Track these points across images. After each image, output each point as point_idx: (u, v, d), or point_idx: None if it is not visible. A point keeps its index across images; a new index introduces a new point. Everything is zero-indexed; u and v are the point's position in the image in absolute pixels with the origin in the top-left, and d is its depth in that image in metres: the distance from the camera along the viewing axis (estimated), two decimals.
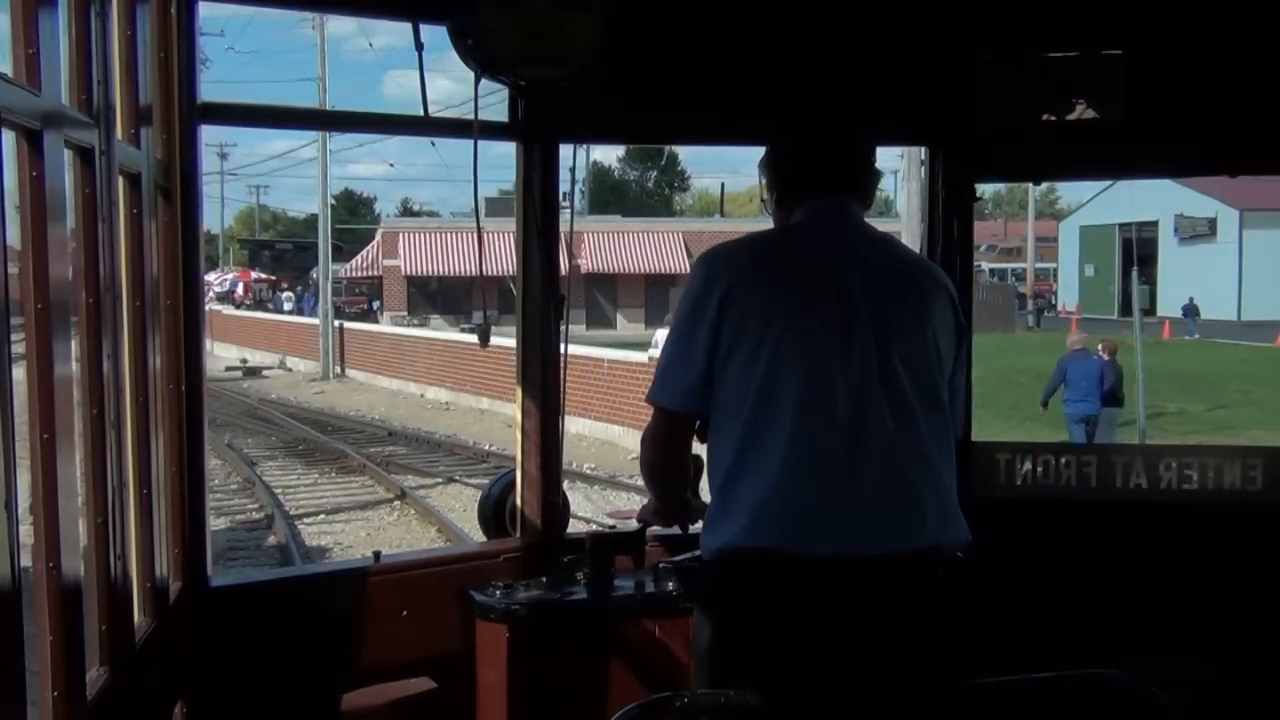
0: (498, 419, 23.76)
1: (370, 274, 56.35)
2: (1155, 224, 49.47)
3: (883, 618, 2.63)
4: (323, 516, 15.25)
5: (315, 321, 37.93)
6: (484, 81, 3.52)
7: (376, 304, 55.29)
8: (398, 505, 15.80)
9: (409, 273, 53.42)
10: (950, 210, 3.83)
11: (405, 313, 52.38)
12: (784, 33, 3.76)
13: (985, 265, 63.45)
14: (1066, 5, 3.82)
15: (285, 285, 61.85)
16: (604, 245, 52.88)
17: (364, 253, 58.11)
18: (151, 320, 2.74)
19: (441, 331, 38.62)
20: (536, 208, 3.68)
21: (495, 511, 3.84)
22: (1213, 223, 48.90)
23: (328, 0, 3.72)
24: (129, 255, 2.59)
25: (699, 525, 2.90)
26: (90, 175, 2.30)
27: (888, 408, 2.69)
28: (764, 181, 3.06)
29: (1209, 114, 3.70)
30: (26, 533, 1.87)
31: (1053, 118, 3.82)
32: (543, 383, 3.74)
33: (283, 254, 68.66)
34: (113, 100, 2.47)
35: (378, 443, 21.86)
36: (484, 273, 3.97)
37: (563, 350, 3.76)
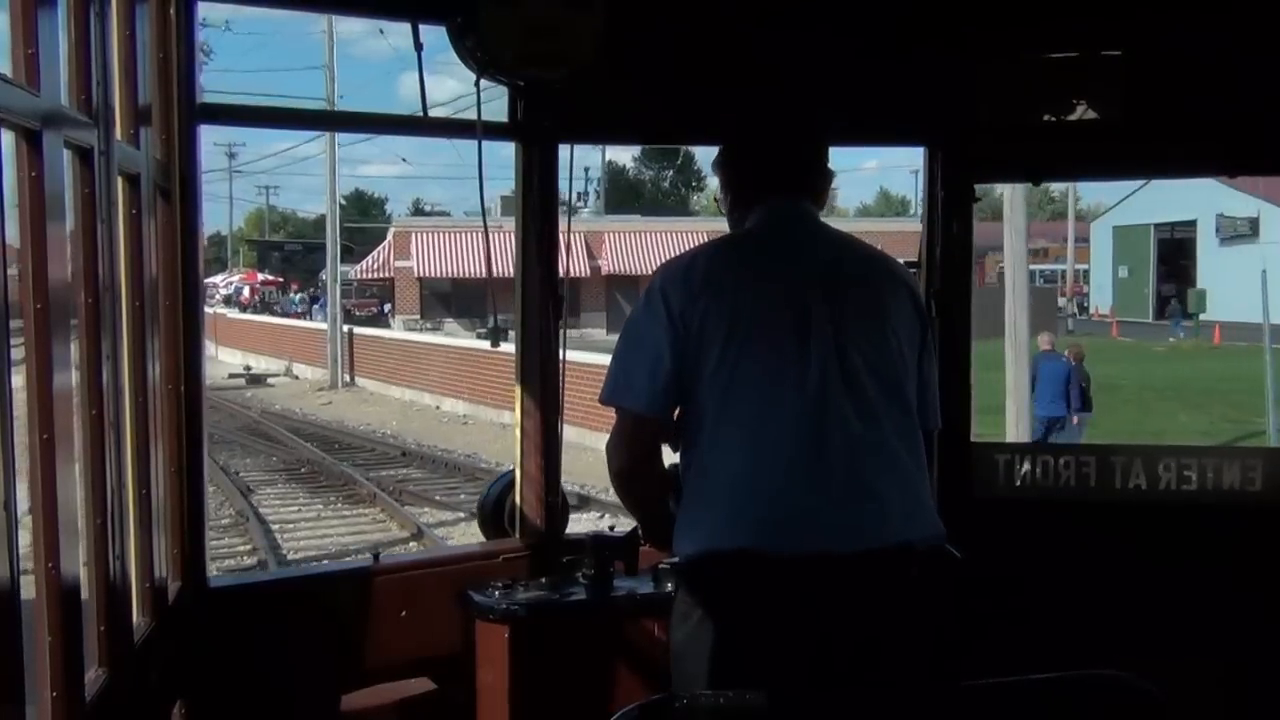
0: None
1: (381, 276, 53.99)
2: (1193, 224, 47.78)
3: (855, 616, 2.65)
4: (326, 563, 12.79)
5: (323, 326, 35.80)
6: (486, 81, 3.52)
7: (388, 307, 53.36)
8: (413, 547, 13.59)
9: (422, 274, 50.74)
10: (950, 211, 3.83)
11: (418, 316, 50.22)
12: (782, 33, 3.76)
13: None
14: (1065, 6, 3.82)
15: (296, 287, 60.08)
16: (625, 245, 50.77)
17: (375, 253, 55.56)
18: (151, 321, 2.74)
19: (457, 337, 37.06)
20: (536, 208, 3.68)
21: (494, 512, 3.84)
22: (1254, 222, 46.81)
23: (327, 1, 3.72)
24: (128, 256, 2.59)
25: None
26: (89, 175, 2.30)
27: (850, 406, 2.70)
28: (719, 183, 3.07)
29: (1207, 114, 3.70)
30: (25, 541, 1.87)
31: (1051, 118, 3.82)
32: (542, 384, 3.74)
33: (292, 255, 67.03)
34: (112, 100, 2.46)
35: (390, 464, 19.62)
36: (493, 274, 3.94)
37: (562, 352, 3.77)
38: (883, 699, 2.34)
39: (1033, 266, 62.08)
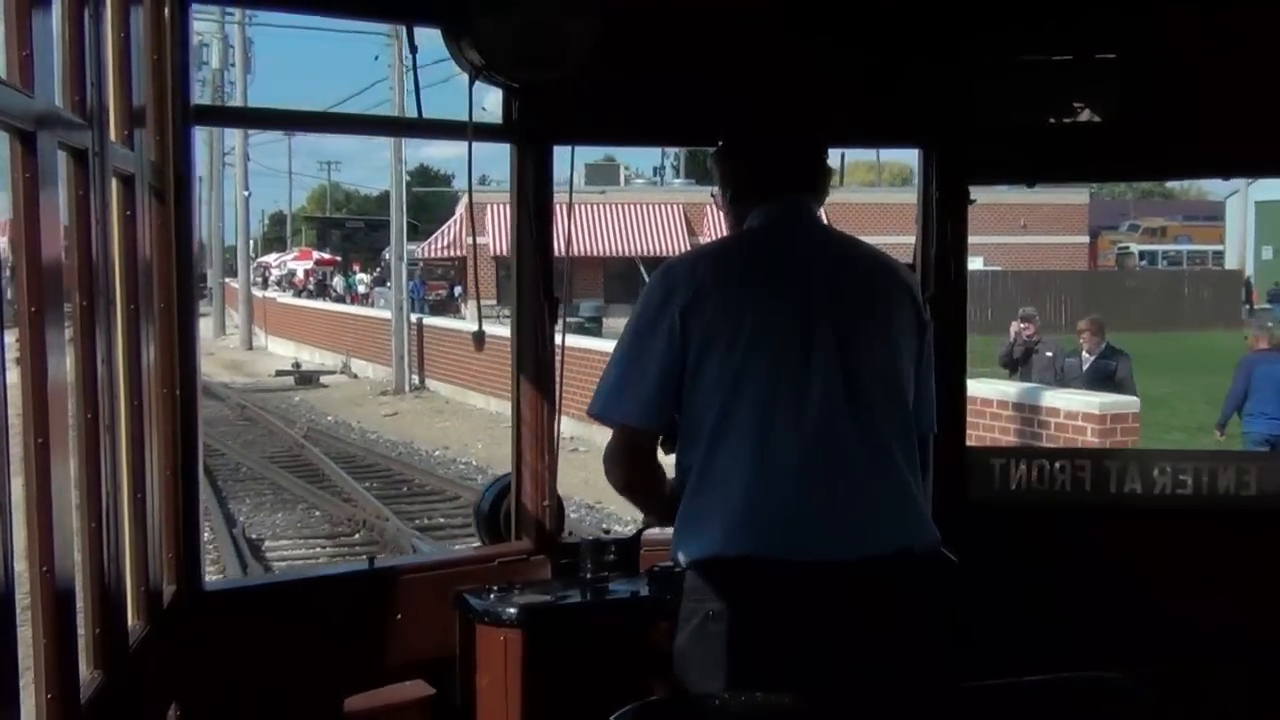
0: None
1: (452, 254, 45.96)
2: None
3: (857, 620, 2.64)
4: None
5: (387, 315, 29.19)
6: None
7: (459, 290, 46.16)
8: None
9: (499, 253, 38.76)
10: (944, 213, 3.83)
11: (494, 301, 42.00)
12: (778, 34, 3.77)
13: (1135, 247, 54.16)
14: (1060, 8, 3.82)
15: (358, 266, 54.29)
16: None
17: (444, 229, 47.16)
18: (145, 322, 2.74)
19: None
20: (531, 209, 3.69)
21: (490, 515, 3.83)
22: None
23: (324, 3, 3.72)
24: (122, 258, 2.59)
25: None
26: (84, 177, 2.29)
27: (851, 412, 2.70)
28: (718, 179, 3.04)
29: (1202, 116, 3.70)
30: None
31: (1047, 120, 3.82)
32: (539, 384, 3.74)
33: (354, 233, 60.72)
34: (106, 102, 2.46)
35: None
36: (476, 259, 3.95)
37: (560, 351, 3.77)
38: (878, 700, 2.34)
39: (1154, 247, 54.00)
